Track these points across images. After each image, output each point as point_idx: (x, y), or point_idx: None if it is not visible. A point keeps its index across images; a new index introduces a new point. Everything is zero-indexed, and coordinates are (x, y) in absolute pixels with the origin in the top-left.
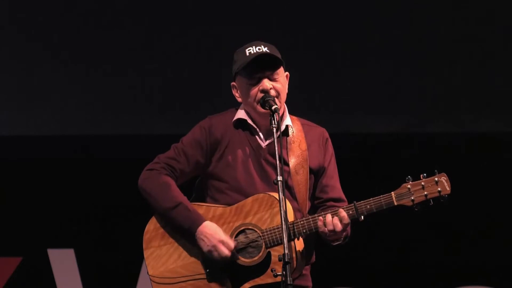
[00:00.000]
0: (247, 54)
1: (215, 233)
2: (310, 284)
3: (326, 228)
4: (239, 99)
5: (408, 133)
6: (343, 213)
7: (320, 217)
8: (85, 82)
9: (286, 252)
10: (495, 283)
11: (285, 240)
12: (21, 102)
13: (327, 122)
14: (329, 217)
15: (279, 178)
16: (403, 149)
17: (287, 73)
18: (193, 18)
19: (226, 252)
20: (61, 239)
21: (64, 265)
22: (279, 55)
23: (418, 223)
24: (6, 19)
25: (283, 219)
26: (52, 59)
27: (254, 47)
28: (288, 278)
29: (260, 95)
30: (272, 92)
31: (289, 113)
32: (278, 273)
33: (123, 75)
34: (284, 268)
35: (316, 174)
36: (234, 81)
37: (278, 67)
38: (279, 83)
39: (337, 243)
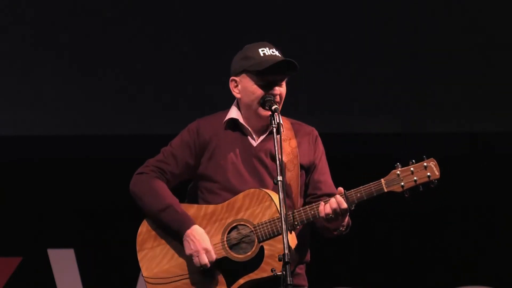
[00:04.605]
0: (261, 54)
1: (202, 240)
2: (305, 283)
3: (329, 209)
4: (238, 95)
5: (407, 133)
6: (338, 198)
7: (322, 202)
8: (85, 82)
9: (286, 252)
10: (495, 283)
11: (285, 240)
12: (21, 102)
13: (325, 122)
14: (332, 199)
15: (279, 178)
16: (402, 149)
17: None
18: (193, 19)
19: (206, 261)
20: (61, 239)
21: (64, 265)
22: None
23: (417, 223)
24: (6, 20)
25: (283, 218)
26: (52, 59)
27: (267, 49)
28: (288, 278)
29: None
30: (278, 98)
31: (286, 114)
32: (278, 273)
33: (123, 75)
34: (284, 268)
35: (307, 170)
36: (237, 76)
37: (287, 76)
38: (283, 88)
39: (338, 232)
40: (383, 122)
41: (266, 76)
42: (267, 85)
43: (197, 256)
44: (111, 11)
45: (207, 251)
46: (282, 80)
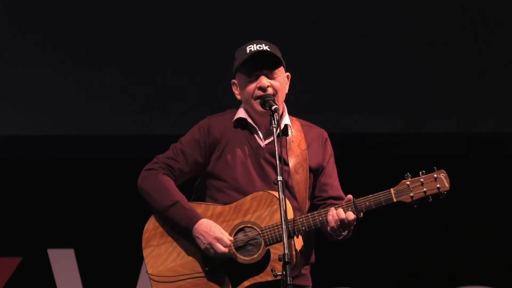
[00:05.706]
0: (247, 51)
1: (211, 231)
2: (310, 284)
3: (338, 219)
4: (238, 97)
5: (407, 133)
6: (350, 214)
7: (329, 213)
8: (85, 82)
9: (286, 252)
10: (495, 283)
11: (285, 240)
12: (21, 102)
13: (326, 122)
14: (340, 210)
15: (279, 178)
16: (403, 149)
17: (288, 73)
18: (193, 18)
19: (222, 249)
20: (61, 239)
21: (64, 265)
22: (279, 55)
23: (418, 223)
24: (5, 19)
25: (283, 219)
26: (52, 59)
27: (255, 45)
28: (288, 278)
29: (258, 92)
30: (270, 90)
31: (289, 113)
32: (278, 273)
33: (123, 75)
34: (284, 268)
35: (315, 173)
36: (234, 79)
37: (277, 66)
38: (277, 81)
39: (342, 237)
40: (383, 122)
41: (252, 71)
42: (256, 79)
43: (212, 248)
44: (111, 11)
45: (219, 239)
46: (271, 73)
